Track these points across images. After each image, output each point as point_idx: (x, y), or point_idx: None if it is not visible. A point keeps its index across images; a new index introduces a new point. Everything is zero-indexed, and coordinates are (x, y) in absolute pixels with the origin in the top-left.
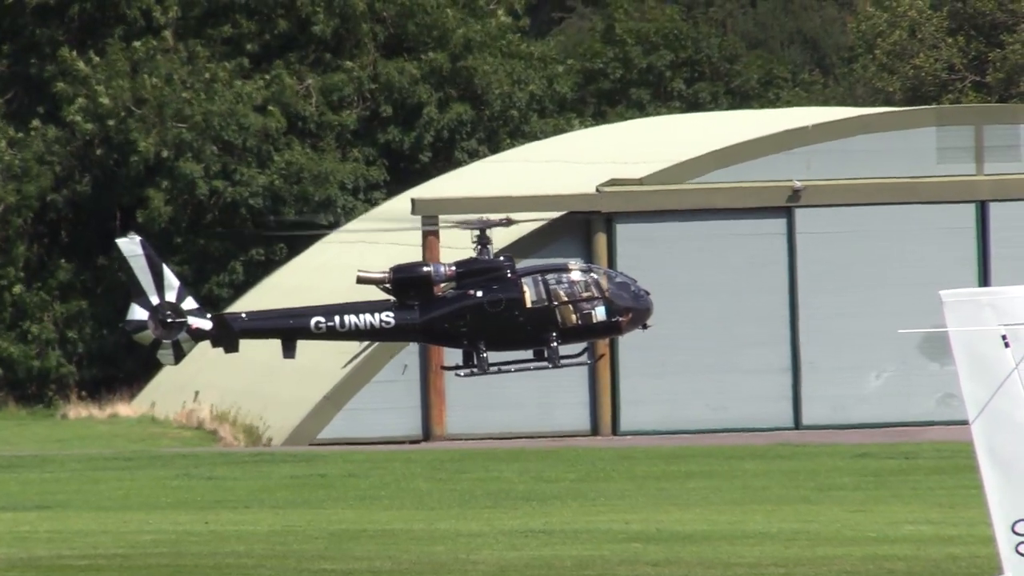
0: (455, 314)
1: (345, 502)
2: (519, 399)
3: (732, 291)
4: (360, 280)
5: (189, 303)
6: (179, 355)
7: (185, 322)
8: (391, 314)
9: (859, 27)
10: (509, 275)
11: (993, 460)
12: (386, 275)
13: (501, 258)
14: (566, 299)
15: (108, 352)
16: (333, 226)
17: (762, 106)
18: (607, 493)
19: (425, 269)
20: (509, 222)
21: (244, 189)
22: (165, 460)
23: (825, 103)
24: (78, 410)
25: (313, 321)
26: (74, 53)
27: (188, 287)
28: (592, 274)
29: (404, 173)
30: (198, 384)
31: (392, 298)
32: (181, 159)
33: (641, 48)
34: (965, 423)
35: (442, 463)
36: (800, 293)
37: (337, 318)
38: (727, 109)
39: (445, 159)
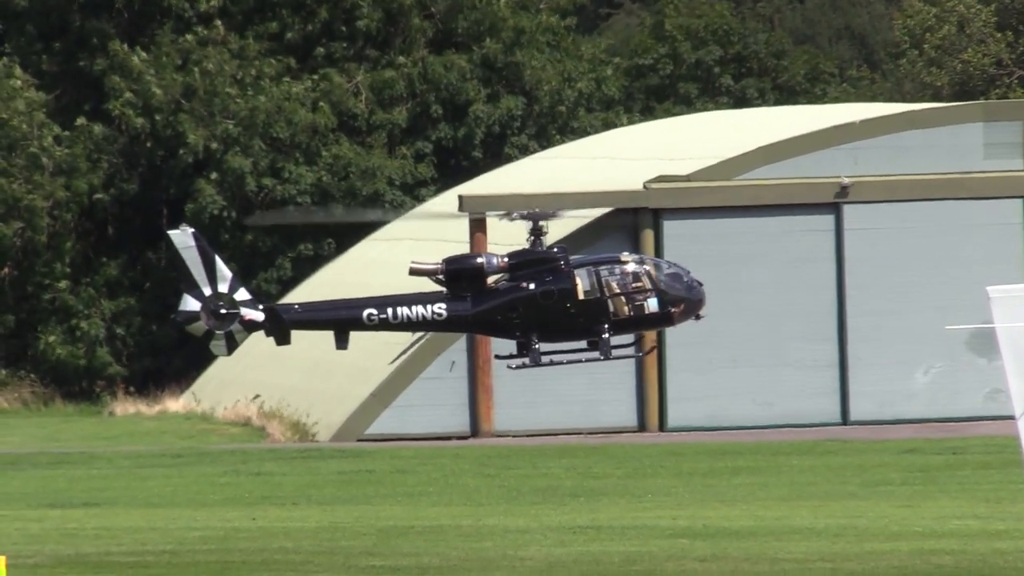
0: (507, 305)
1: (393, 498)
2: (566, 395)
3: (779, 287)
4: (413, 271)
5: (242, 294)
6: (232, 346)
7: (238, 313)
8: (443, 305)
9: (906, 22)
10: (562, 266)
11: None
12: (439, 266)
13: (554, 250)
14: (618, 290)
15: (156, 348)
16: (381, 222)
17: (809, 102)
18: (654, 489)
19: (478, 260)
20: (557, 213)
21: (292, 187)
22: (213, 457)
23: (872, 99)
24: (126, 407)
25: (366, 312)
26: (125, 46)
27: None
28: (644, 265)
29: (454, 169)
30: (246, 381)
31: (444, 290)
32: (229, 153)
33: (690, 44)
34: (1012, 418)
35: (490, 459)
36: (847, 289)
37: (390, 309)
38: (774, 105)
39: (495, 155)
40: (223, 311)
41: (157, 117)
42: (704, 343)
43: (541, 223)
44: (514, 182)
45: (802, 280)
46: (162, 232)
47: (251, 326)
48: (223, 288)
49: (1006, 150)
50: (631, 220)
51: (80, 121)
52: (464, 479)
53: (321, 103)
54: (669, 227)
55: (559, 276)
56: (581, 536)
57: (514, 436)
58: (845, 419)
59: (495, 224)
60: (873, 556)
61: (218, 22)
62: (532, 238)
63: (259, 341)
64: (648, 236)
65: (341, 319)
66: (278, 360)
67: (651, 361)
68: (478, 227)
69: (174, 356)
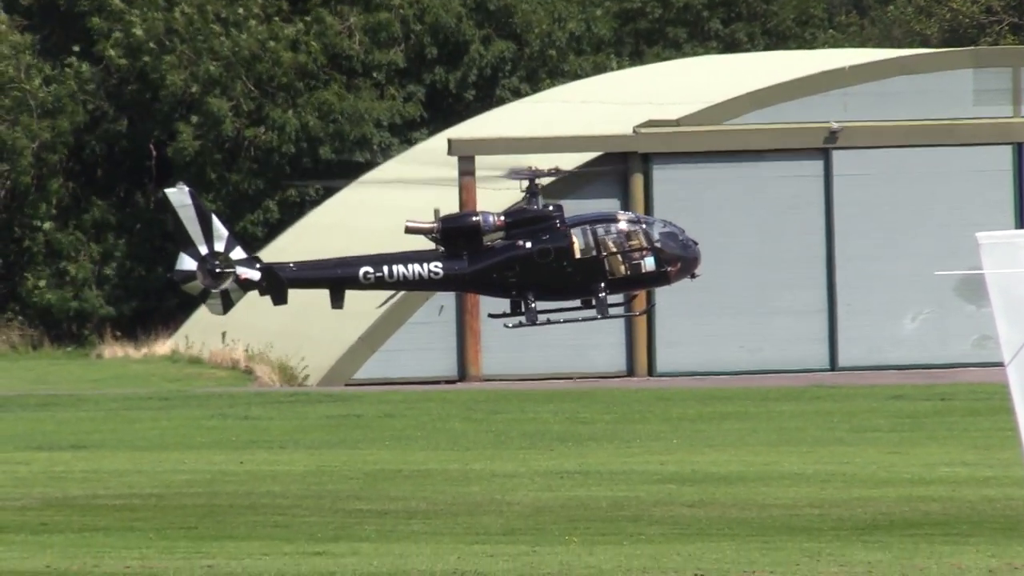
0: (504, 264)
1: (380, 443)
2: (555, 340)
3: (768, 233)
4: (408, 230)
5: (238, 253)
6: (227, 305)
7: (234, 272)
8: (440, 264)
9: None
10: (558, 225)
11: None
12: (435, 225)
13: (550, 208)
14: (615, 249)
15: (146, 290)
16: (371, 164)
17: (799, 47)
18: (642, 434)
19: (474, 219)
20: (558, 172)
21: (276, 136)
22: (200, 400)
23: (862, 45)
24: (113, 349)
25: (362, 271)
26: None
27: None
28: (640, 224)
29: (446, 112)
30: (234, 324)
31: (441, 248)
32: (210, 95)
33: None
34: (1001, 365)
35: (477, 404)
36: (836, 235)
37: (386, 268)
38: (764, 50)
39: (487, 97)
40: (219, 270)
41: (146, 59)
42: (693, 289)
43: (536, 182)
44: (504, 126)
45: (791, 226)
46: (150, 173)
47: (247, 285)
48: (219, 247)
49: (996, 96)
50: (621, 165)
51: (70, 61)
52: (452, 423)
53: (312, 43)
54: (658, 172)
55: (556, 235)
56: (569, 481)
57: (502, 380)
58: (833, 365)
59: (483, 166)
60: (861, 502)
61: None
62: (528, 196)
63: None
64: (637, 181)
65: (337, 277)
66: (266, 304)
67: (639, 306)
68: (467, 169)
69: (162, 297)
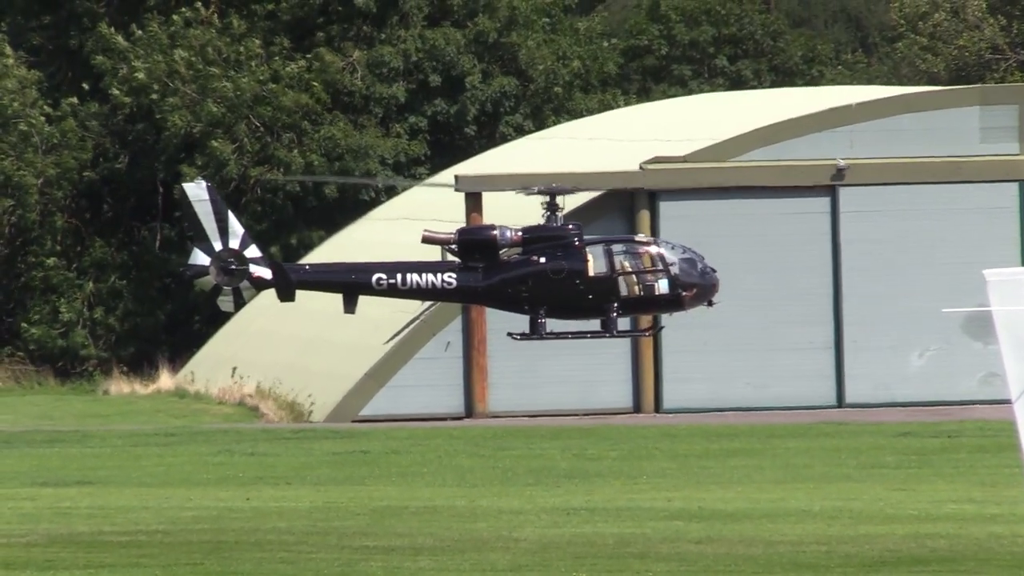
0: (517, 279)
1: (387, 479)
2: (562, 376)
3: (775, 269)
4: (425, 240)
5: (252, 251)
6: (239, 303)
7: (246, 270)
8: (453, 275)
9: (901, 8)
10: (575, 243)
11: None
12: (452, 236)
13: (569, 226)
14: (629, 270)
15: (148, 330)
16: (375, 203)
17: (806, 84)
18: (649, 471)
19: (491, 232)
20: (576, 189)
21: (280, 174)
22: (207, 436)
23: (869, 82)
24: (120, 386)
25: (375, 277)
26: (112, 29)
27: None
28: (658, 248)
29: (448, 148)
30: (240, 360)
31: (457, 260)
32: (214, 137)
33: (685, 24)
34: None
35: (484, 440)
36: (843, 272)
37: (399, 275)
38: (770, 87)
39: (489, 134)
40: (232, 267)
41: (153, 96)
42: (700, 325)
43: (557, 199)
44: (510, 162)
45: (798, 262)
46: (155, 213)
47: (260, 284)
48: (234, 244)
49: (1002, 134)
50: (627, 201)
51: (71, 99)
52: (458, 460)
53: (314, 82)
54: (665, 208)
55: (571, 252)
56: (575, 517)
57: (509, 417)
58: (840, 402)
59: (491, 203)
60: (868, 539)
61: (199, 3)
62: (547, 213)
63: (255, 319)
64: (644, 217)
65: (351, 282)
66: (273, 339)
67: (647, 343)
68: (474, 206)
69: (165, 338)
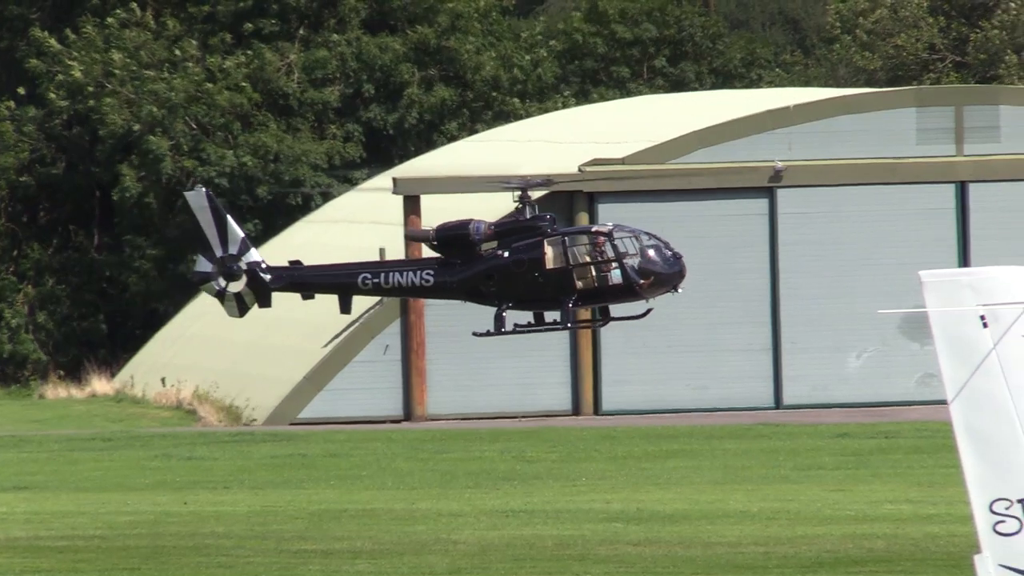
0: (484, 274)
1: (325, 482)
2: (501, 379)
3: (714, 271)
4: (409, 236)
5: (251, 256)
6: (243, 308)
7: (245, 275)
8: (431, 272)
9: (838, 7)
10: (541, 236)
11: (971, 439)
12: (431, 232)
13: (547, 216)
14: (585, 261)
15: (84, 333)
16: (306, 207)
17: (745, 86)
18: (588, 473)
19: (465, 227)
20: (549, 182)
21: (212, 169)
22: (144, 440)
23: (807, 84)
24: (56, 390)
25: (361, 277)
26: (46, 32)
27: (160, 268)
28: (614, 237)
29: (384, 153)
30: (179, 364)
31: (438, 256)
32: (151, 135)
33: (625, 25)
34: (944, 403)
35: (423, 443)
36: (781, 273)
37: (383, 275)
38: (710, 89)
39: (427, 141)
40: (233, 272)
41: (90, 102)
42: (639, 327)
43: (529, 192)
44: (448, 165)
45: (736, 265)
46: (92, 215)
47: (258, 286)
48: (233, 250)
49: (939, 135)
50: (566, 204)
51: (8, 103)
52: (397, 463)
53: (244, 83)
54: (604, 211)
55: (531, 246)
56: (514, 520)
57: (448, 420)
58: (779, 403)
59: (430, 205)
60: (806, 540)
61: (133, 4)
62: (520, 206)
63: (193, 323)
64: (583, 220)
65: (339, 283)
66: (211, 344)
67: (585, 345)
68: (412, 208)
69: (103, 341)
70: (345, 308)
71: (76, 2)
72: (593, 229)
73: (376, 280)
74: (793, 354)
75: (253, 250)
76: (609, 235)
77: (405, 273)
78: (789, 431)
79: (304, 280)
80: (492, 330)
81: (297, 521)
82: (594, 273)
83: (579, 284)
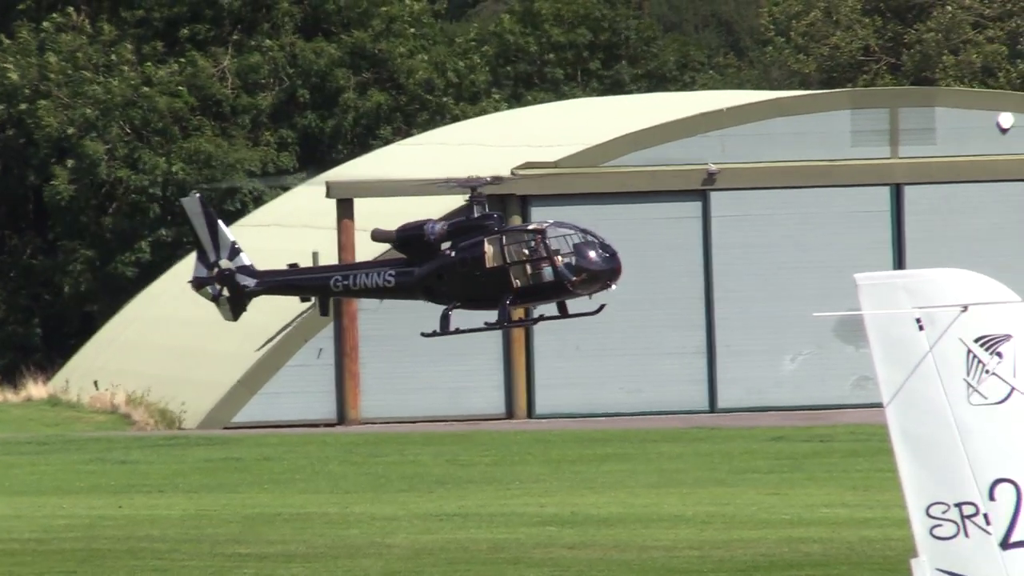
0: (435, 273)
1: (259, 486)
2: (434, 382)
3: (648, 274)
4: (374, 237)
5: (240, 260)
6: (236, 311)
7: (234, 278)
8: (392, 273)
9: (772, 9)
10: (486, 233)
11: (907, 443)
12: (392, 233)
13: (494, 215)
14: (517, 259)
15: (19, 338)
16: (241, 213)
17: (678, 89)
18: (522, 476)
19: (420, 228)
20: (498, 180)
21: (145, 177)
22: (79, 444)
23: (740, 86)
24: None
25: (332, 279)
26: None
27: (93, 271)
28: (552, 235)
29: (319, 159)
30: (113, 368)
31: (401, 256)
32: (86, 138)
33: (560, 28)
34: (880, 406)
35: (357, 447)
36: (715, 276)
37: (352, 276)
38: (644, 92)
39: (363, 145)
40: (224, 276)
41: (25, 105)
42: (572, 330)
43: (479, 189)
44: (381, 168)
45: (670, 267)
46: (27, 219)
47: (248, 292)
48: (224, 255)
49: (874, 137)
50: (498, 207)
51: None
52: (331, 466)
53: (180, 87)
54: (537, 214)
55: (473, 244)
56: (448, 523)
57: (381, 423)
58: (713, 406)
59: (363, 209)
60: (741, 544)
61: (70, 9)
62: (470, 203)
63: (128, 328)
64: (515, 222)
65: (313, 286)
66: (145, 348)
67: (519, 348)
68: (345, 212)
69: (39, 345)
70: (323, 311)
71: (10, 6)
72: (530, 227)
73: (346, 282)
74: (728, 357)
75: (243, 254)
76: (543, 232)
77: (371, 275)
78: (724, 434)
79: (281, 283)
80: (438, 330)
81: (231, 525)
82: (528, 271)
83: (516, 283)
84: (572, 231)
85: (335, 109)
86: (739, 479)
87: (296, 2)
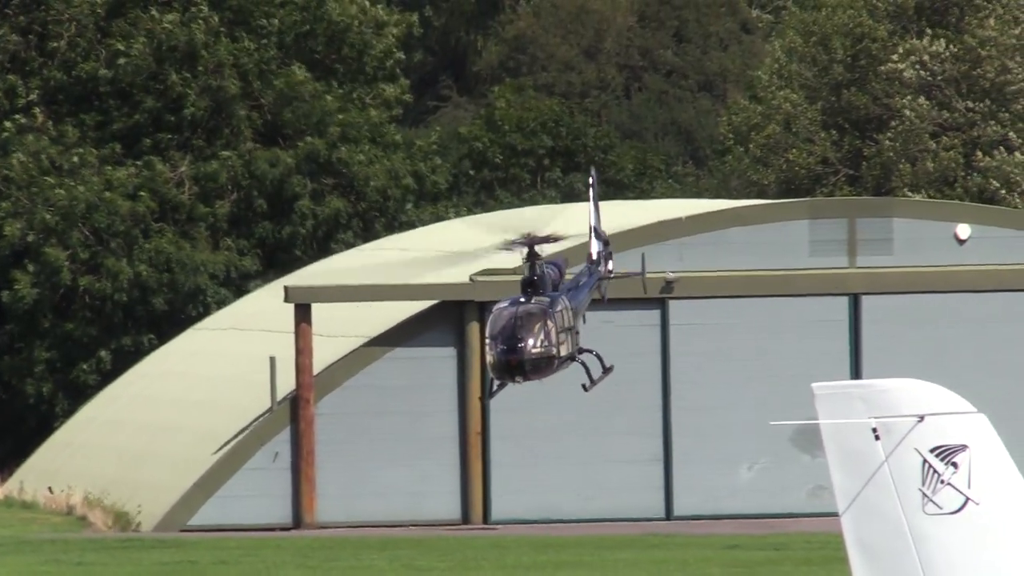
0: None
1: None
2: (390, 487)
3: (605, 381)
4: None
5: None
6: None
7: None
8: None
9: (731, 120)
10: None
11: (862, 552)
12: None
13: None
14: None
15: None
16: (203, 317)
17: (636, 196)
18: None
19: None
20: (556, 237)
21: (109, 284)
22: (34, 546)
23: (699, 195)
24: None
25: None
26: None
27: (54, 373)
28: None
29: (279, 264)
30: (69, 470)
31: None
32: (47, 244)
33: (521, 134)
34: (836, 515)
35: (312, 551)
36: (673, 384)
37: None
38: (602, 199)
39: (321, 251)
40: None
41: None
42: (528, 436)
43: (536, 248)
44: (339, 274)
45: (627, 375)
46: None
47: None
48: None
49: (832, 247)
50: (457, 314)
51: None
52: (286, 571)
53: (142, 191)
54: None
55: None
56: None
57: (337, 527)
58: (669, 514)
59: (320, 314)
60: None
61: (35, 110)
62: (527, 263)
63: (83, 430)
64: (474, 329)
65: None
66: (102, 450)
67: (475, 453)
68: (303, 316)
69: None
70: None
71: None
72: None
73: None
74: (684, 465)
75: None
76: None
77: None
78: (679, 542)
79: None
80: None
81: None
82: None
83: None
84: (506, 302)
85: (293, 216)
86: None
87: (255, 108)
